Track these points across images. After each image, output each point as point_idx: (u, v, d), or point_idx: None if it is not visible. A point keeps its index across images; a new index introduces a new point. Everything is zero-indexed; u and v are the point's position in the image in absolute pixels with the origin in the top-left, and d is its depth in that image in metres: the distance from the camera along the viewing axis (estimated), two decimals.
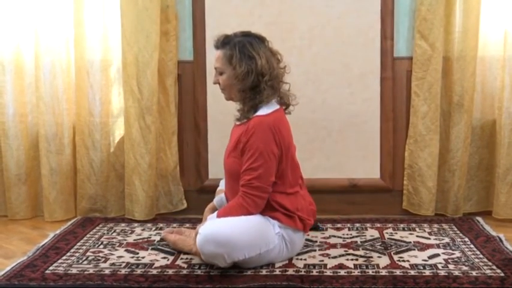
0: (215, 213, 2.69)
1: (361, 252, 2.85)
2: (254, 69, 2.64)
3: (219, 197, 2.91)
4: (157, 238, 3.08)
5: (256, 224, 2.63)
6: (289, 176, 2.71)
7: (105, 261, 2.76)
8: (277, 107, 2.74)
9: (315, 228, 3.13)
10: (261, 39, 2.74)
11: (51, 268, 2.67)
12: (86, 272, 2.62)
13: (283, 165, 2.67)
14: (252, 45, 2.68)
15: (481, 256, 2.78)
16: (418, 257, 2.78)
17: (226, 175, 2.84)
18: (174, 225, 3.31)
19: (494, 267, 2.63)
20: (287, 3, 3.42)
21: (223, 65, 2.71)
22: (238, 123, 2.77)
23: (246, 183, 2.63)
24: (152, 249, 2.94)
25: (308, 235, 2.97)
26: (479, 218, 3.37)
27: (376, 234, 3.12)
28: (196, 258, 2.77)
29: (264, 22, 3.42)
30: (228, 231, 2.52)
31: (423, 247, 2.92)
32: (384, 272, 2.59)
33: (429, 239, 3.05)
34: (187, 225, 3.29)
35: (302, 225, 2.74)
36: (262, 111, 2.67)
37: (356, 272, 2.60)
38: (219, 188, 3.07)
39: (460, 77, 3.34)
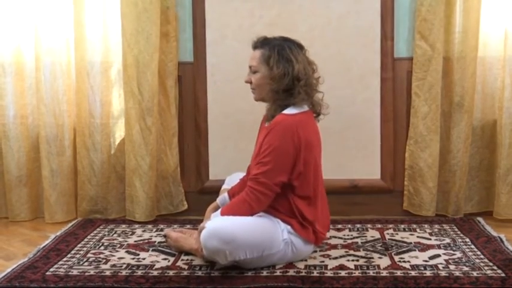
0: (219, 211, 2.69)
1: (361, 253, 2.85)
2: (291, 73, 2.65)
3: (222, 196, 2.91)
4: (158, 239, 3.08)
5: (263, 226, 2.62)
6: (311, 181, 2.70)
7: (105, 263, 2.76)
8: (306, 109, 2.74)
9: None
10: (299, 46, 2.75)
11: (51, 270, 2.67)
12: (86, 274, 2.62)
13: (300, 167, 2.64)
14: (291, 50, 2.70)
15: (482, 256, 2.77)
16: (418, 258, 2.78)
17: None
18: (175, 226, 3.31)
19: (495, 267, 2.63)
20: (287, 5, 3.42)
21: (259, 64, 2.72)
22: (266, 124, 2.76)
23: (253, 177, 2.63)
24: (153, 250, 2.93)
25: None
26: (480, 219, 3.37)
27: (376, 235, 3.12)
28: (196, 259, 2.77)
29: (264, 23, 3.43)
30: (234, 229, 2.52)
31: (424, 248, 2.92)
32: (384, 273, 2.59)
33: (430, 239, 3.05)
34: (188, 226, 3.28)
35: (314, 238, 2.73)
36: (289, 111, 2.68)
37: (357, 273, 2.60)
38: (223, 187, 3.07)
39: (461, 77, 3.34)
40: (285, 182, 2.63)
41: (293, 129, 2.62)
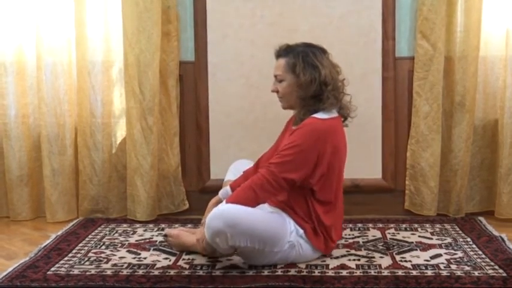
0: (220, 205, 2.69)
1: (363, 252, 2.85)
2: (317, 78, 2.64)
3: (225, 189, 2.89)
4: (160, 239, 3.08)
5: (270, 221, 2.62)
6: (333, 186, 2.70)
7: (107, 262, 2.76)
8: (336, 115, 2.73)
9: None
10: (322, 51, 2.74)
11: (53, 269, 2.67)
12: (87, 273, 2.62)
13: (323, 169, 2.63)
14: (315, 55, 2.68)
15: (483, 256, 2.77)
16: (420, 257, 2.77)
17: None
18: (176, 225, 3.31)
19: (496, 267, 2.63)
20: (288, 4, 3.42)
21: (285, 73, 2.70)
22: (294, 127, 2.75)
23: (266, 164, 2.64)
24: (154, 249, 2.93)
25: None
26: (481, 218, 3.37)
27: (378, 234, 3.12)
28: (198, 258, 2.77)
29: (265, 22, 3.43)
30: (240, 214, 2.53)
31: (425, 247, 2.91)
32: (386, 273, 2.59)
33: (431, 239, 3.04)
34: (189, 225, 3.29)
35: (324, 247, 2.73)
36: (319, 115, 2.66)
37: (358, 273, 2.59)
38: (226, 179, 3.06)
39: (462, 76, 3.34)
40: (296, 182, 2.61)
41: (320, 134, 2.61)
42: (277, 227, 2.63)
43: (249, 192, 2.59)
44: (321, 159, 2.62)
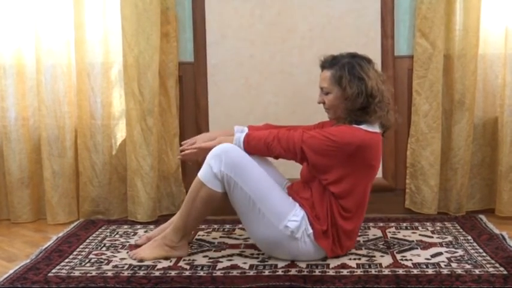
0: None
1: (363, 251, 2.85)
2: (364, 91, 2.62)
3: (241, 127, 2.93)
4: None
5: (273, 189, 2.67)
6: (358, 198, 2.70)
7: (107, 264, 2.76)
8: (378, 130, 2.70)
9: None
10: (367, 61, 2.71)
11: (54, 271, 2.67)
12: (88, 275, 2.62)
13: (340, 172, 2.62)
14: (361, 67, 2.66)
15: (484, 254, 2.77)
16: (421, 256, 2.77)
17: (300, 183, 2.83)
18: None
19: (497, 265, 2.62)
20: (287, 4, 3.42)
21: (331, 85, 2.69)
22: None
23: (302, 130, 2.68)
24: None
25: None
26: (482, 216, 3.37)
27: (378, 233, 3.12)
28: (198, 258, 2.77)
29: (264, 22, 3.43)
30: (247, 160, 2.63)
31: (426, 246, 2.91)
32: (386, 271, 2.59)
33: (432, 237, 3.04)
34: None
35: (332, 252, 2.72)
36: (364, 127, 2.65)
37: (359, 272, 2.59)
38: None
39: (461, 75, 3.34)
40: (308, 161, 2.63)
41: (357, 142, 2.60)
42: (276, 199, 2.66)
43: (268, 134, 2.66)
44: (346, 164, 2.61)
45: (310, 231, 2.66)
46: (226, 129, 3.34)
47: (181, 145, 2.97)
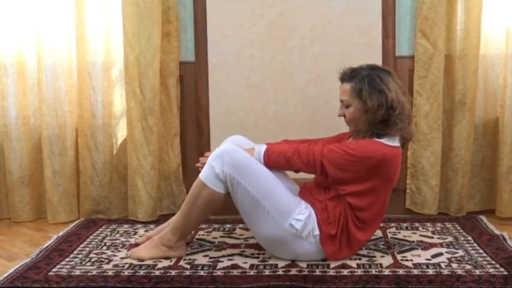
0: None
1: (364, 251, 2.85)
2: (385, 103, 2.60)
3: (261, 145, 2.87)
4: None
5: (280, 188, 2.66)
6: (374, 209, 2.68)
7: (108, 263, 2.76)
8: (398, 144, 2.69)
9: None
10: (387, 72, 2.70)
11: (54, 270, 2.68)
12: (89, 274, 2.62)
13: (358, 187, 2.61)
14: (381, 79, 2.64)
15: (485, 255, 2.77)
16: (421, 256, 2.77)
17: (314, 183, 2.83)
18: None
19: (497, 265, 2.62)
20: (288, 3, 3.42)
21: (351, 98, 2.67)
22: (351, 139, 2.77)
23: (323, 144, 2.67)
24: None
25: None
26: (482, 217, 3.37)
27: (379, 233, 3.12)
28: (199, 258, 2.77)
29: (265, 22, 3.43)
30: (253, 161, 2.64)
31: (426, 246, 2.91)
32: (387, 272, 2.59)
33: (432, 238, 3.04)
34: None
35: (333, 256, 2.71)
36: (384, 141, 2.64)
37: (359, 272, 2.59)
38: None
39: (462, 75, 3.34)
40: (328, 175, 2.61)
41: (378, 156, 2.59)
42: (283, 197, 2.65)
43: (290, 150, 2.65)
44: (366, 178, 2.61)
45: (317, 232, 2.65)
46: (227, 129, 3.36)
47: (203, 155, 2.94)
